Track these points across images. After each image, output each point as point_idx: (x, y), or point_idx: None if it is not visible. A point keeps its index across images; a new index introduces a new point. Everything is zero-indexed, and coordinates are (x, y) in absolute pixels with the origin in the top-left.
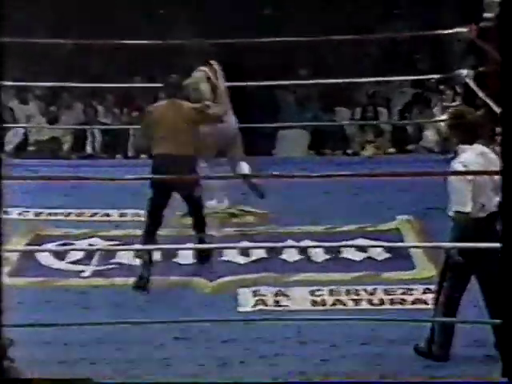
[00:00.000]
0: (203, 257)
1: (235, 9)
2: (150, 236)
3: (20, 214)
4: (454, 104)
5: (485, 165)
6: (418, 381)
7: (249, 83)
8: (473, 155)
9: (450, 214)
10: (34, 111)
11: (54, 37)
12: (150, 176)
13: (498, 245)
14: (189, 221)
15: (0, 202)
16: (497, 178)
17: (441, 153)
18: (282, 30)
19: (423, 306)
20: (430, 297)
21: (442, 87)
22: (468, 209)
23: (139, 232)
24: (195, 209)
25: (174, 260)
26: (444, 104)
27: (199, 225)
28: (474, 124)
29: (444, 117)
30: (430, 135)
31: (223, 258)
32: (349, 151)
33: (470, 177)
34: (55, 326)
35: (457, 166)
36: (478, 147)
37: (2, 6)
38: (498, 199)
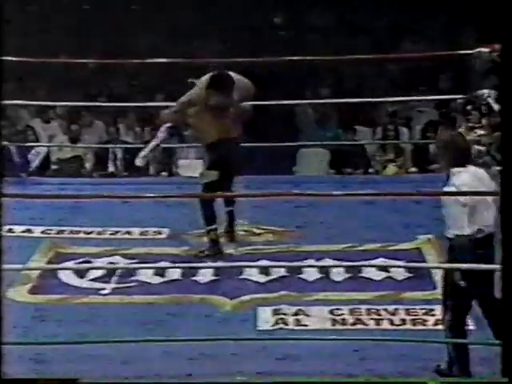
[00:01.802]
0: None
1: (256, 27)
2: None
3: (43, 232)
4: (478, 125)
5: (478, 186)
6: (417, 381)
7: (269, 102)
8: (467, 177)
9: (448, 236)
10: (56, 130)
11: (77, 57)
12: (170, 195)
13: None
14: (208, 238)
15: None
16: (493, 202)
17: None
18: (301, 49)
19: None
20: None
21: (467, 108)
22: (466, 231)
23: (160, 250)
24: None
25: (194, 278)
26: (469, 125)
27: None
28: (465, 147)
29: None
30: None
31: (243, 277)
32: (370, 170)
33: (464, 201)
34: (75, 343)
35: (451, 188)
36: (471, 169)
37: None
38: (492, 220)
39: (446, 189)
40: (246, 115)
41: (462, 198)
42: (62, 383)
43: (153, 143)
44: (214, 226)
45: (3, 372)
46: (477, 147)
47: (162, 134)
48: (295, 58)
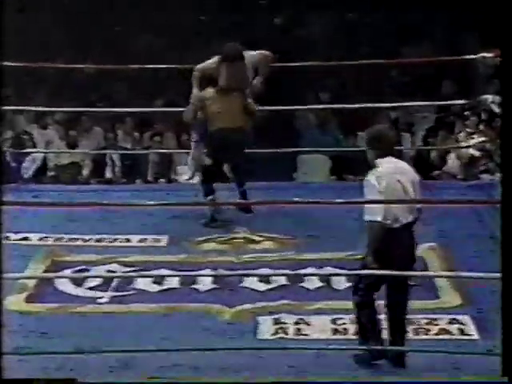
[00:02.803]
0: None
1: (258, 33)
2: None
3: (40, 239)
4: (477, 130)
5: (397, 176)
6: (418, 381)
7: (268, 107)
8: (386, 167)
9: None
10: (53, 136)
11: (74, 61)
12: (170, 202)
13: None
14: (206, 246)
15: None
16: (411, 191)
17: (464, 179)
18: (301, 53)
19: (448, 337)
20: (455, 327)
21: (466, 113)
22: (379, 218)
23: (159, 257)
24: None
25: (193, 286)
26: (468, 130)
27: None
28: (390, 140)
29: (468, 143)
30: (453, 161)
31: (242, 285)
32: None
33: (381, 188)
34: (73, 353)
35: (371, 177)
36: (392, 160)
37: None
38: (410, 211)
39: (367, 178)
40: (257, 91)
41: (379, 186)
42: (62, 383)
43: (191, 154)
44: (211, 197)
45: (3, 372)
46: (473, 152)
47: (194, 140)
48: (295, 64)
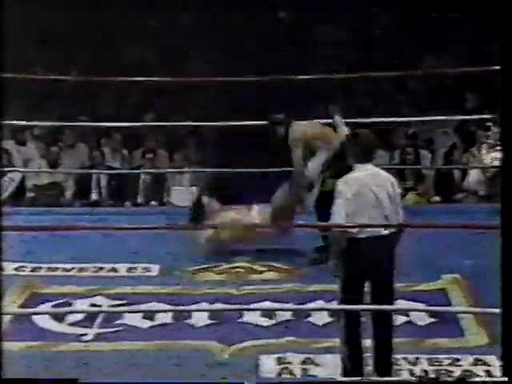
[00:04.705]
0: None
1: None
2: None
3: (16, 269)
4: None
5: (370, 184)
6: (417, 381)
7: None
8: (359, 174)
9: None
10: (33, 153)
11: (56, 72)
12: (162, 226)
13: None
14: (202, 276)
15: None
16: (387, 203)
17: (488, 196)
18: (312, 63)
19: (474, 380)
20: (481, 368)
21: (488, 124)
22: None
23: (150, 289)
24: None
25: (188, 321)
26: (490, 142)
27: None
28: (369, 145)
29: (490, 155)
30: (475, 176)
31: (243, 320)
32: None
33: (348, 195)
34: None
35: (341, 183)
36: (369, 167)
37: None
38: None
39: (338, 183)
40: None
41: (346, 191)
42: (61, 383)
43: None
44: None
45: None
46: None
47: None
48: (305, 76)
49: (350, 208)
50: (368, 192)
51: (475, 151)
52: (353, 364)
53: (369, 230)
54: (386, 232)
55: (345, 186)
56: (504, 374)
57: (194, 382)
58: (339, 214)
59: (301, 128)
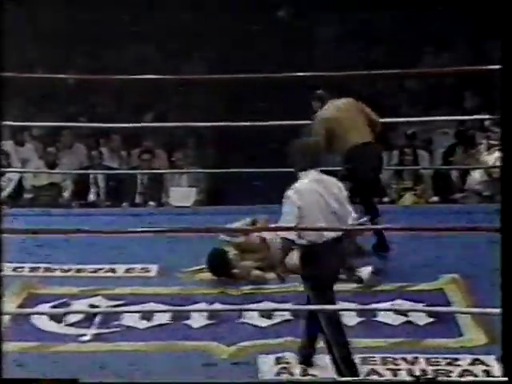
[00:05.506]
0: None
1: (252, 42)
2: None
3: (14, 269)
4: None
5: (318, 190)
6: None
7: (271, 123)
8: (307, 181)
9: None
10: (31, 153)
11: (55, 71)
12: (162, 229)
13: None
14: (201, 277)
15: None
16: (336, 206)
17: (491, 196)
18: (309, 62)
19: (472, 379)
20: (479, 368)
21: (487, 124)
22: (291, 236)
23: (148, 290)
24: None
25: (185, 322)
26: (490, 142)
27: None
28: (313, 152)
29: (491, 155)
30: (477, 177)
31: (242, 320)
32: (385, 199)
33: (298, 203)
34: None
35: (290, 192)
36: (314, 173)
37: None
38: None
39: (287, 192)
40: None
41: (297, 200)
42: (61, 383)
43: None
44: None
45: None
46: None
47: None
48: (301, 74)
49: (303, 215)
50: (318, 197)
51: (474, 151)
52: (353, 363)
53: (325, 233)
54: (339, 234)
55: (294, 194)
56: (504, 374)
57: (192, 382)
58: (288, 222)
59: (324, 119)
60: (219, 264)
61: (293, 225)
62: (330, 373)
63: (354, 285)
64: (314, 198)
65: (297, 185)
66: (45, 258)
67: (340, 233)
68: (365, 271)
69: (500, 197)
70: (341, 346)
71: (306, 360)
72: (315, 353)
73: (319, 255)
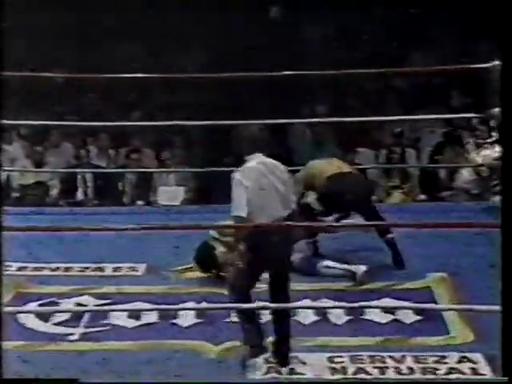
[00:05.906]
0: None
1: (243, 38)
2: None
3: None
4: (488, 140)
5: (264, 171)
6: (420, 381)
7: (261, 121)
8: (254, 163)
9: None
10: (18, 152)
11: (42, 70)
12: (149, 226)
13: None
14: (189, 275)
15: None
16: (282, 188)
17: (480, 194)
18: (297, 61)
19: (459, 376)
20: (467, 366)
21: (474, 122)
22: (243, 214)
23: (136, 289)
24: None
25: (173, 321)
26: (478, 141)
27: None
28: (255, 137)
29: (479, 154)
30: (466, 175)
31: (230, 319)
32: (372, 198)
33: (246, 184)
34: None
35: (237, 174)
36: (259, 157)
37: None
38: (288, 207)
39: (234, 174)
40: None
41: (245, 181)
42: (61, 383)
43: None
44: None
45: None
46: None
47: None
48: (288, 72)
49: (251, 195)
50: (263, 179)
51: (462, 150)
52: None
53: (275, 213)
54: (285, 213)
55: (240, 176)
56: (504, 374)
57: (180, 381)
58: (240, 202)
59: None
60: (206, 259)
61: (243, 208)
62: (320, 373)
63: (344, 283)
64: (260, 178)
65: (242, 167)
66: (32, 257)
67: (287, 213)
68: (359, 269)
69: (490, 195)
70: (245, 332)
71: (283, 359)
72: (290, 351)
73: (261, 236)
